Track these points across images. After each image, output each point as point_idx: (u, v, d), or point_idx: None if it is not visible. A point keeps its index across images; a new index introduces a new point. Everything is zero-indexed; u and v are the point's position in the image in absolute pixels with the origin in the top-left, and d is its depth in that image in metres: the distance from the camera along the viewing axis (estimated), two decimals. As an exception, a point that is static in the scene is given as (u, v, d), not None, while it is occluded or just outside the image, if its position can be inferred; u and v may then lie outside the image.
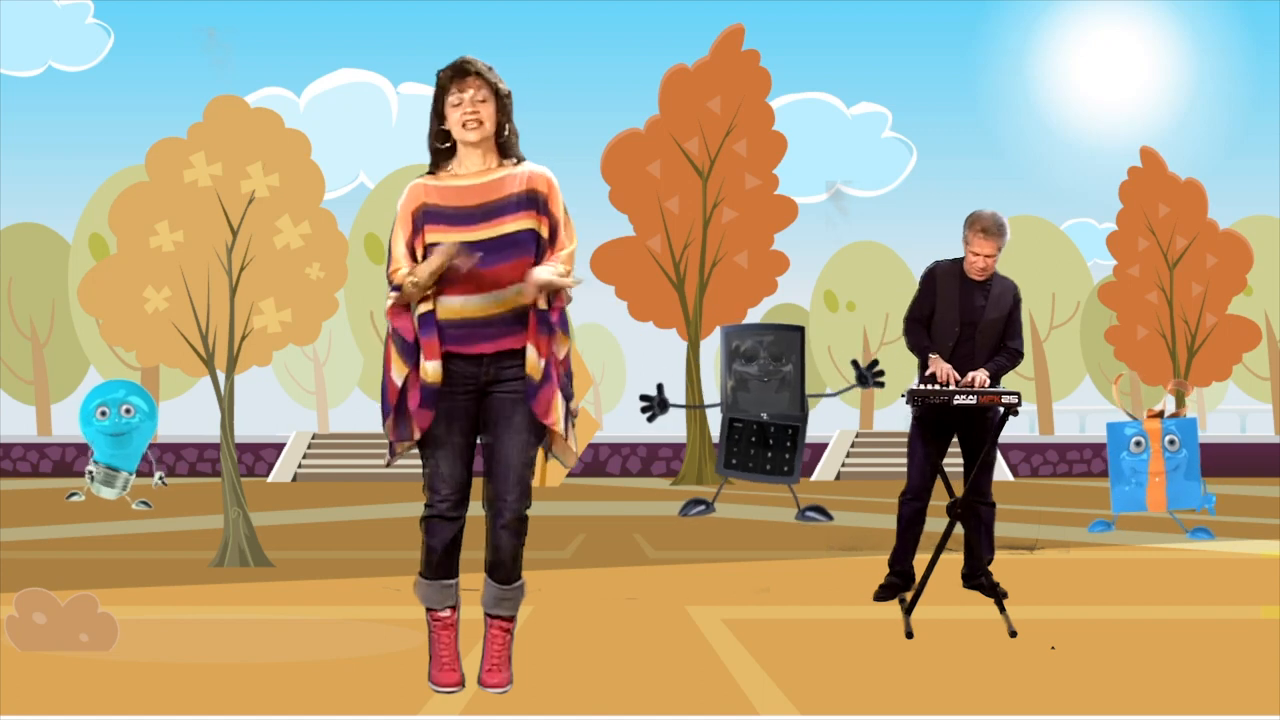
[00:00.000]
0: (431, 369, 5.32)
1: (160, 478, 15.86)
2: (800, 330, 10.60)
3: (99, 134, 31.41)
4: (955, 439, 7.95)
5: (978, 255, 7.79)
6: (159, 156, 10.09)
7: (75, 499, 15.49)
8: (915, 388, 7.38)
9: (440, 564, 5.45)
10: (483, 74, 5.35)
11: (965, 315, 7.85)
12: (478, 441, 5.46)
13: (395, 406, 5.36)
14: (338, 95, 30.73)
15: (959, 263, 7.92)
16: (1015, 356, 7.93)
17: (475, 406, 5.41)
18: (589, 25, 33.48)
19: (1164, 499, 12.26)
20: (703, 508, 11.73)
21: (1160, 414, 12.32)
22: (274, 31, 33.22)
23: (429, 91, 5.47)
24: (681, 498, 18.87)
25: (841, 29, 33.50)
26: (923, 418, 7.71)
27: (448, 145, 5.41)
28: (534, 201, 5.37)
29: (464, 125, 5.33)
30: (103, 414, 15.06)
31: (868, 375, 10.31)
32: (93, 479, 15.17)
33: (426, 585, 5.49)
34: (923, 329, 7.95)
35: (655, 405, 11.35)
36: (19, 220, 30.38)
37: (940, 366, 7.66)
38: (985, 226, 7.77)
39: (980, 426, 7.74)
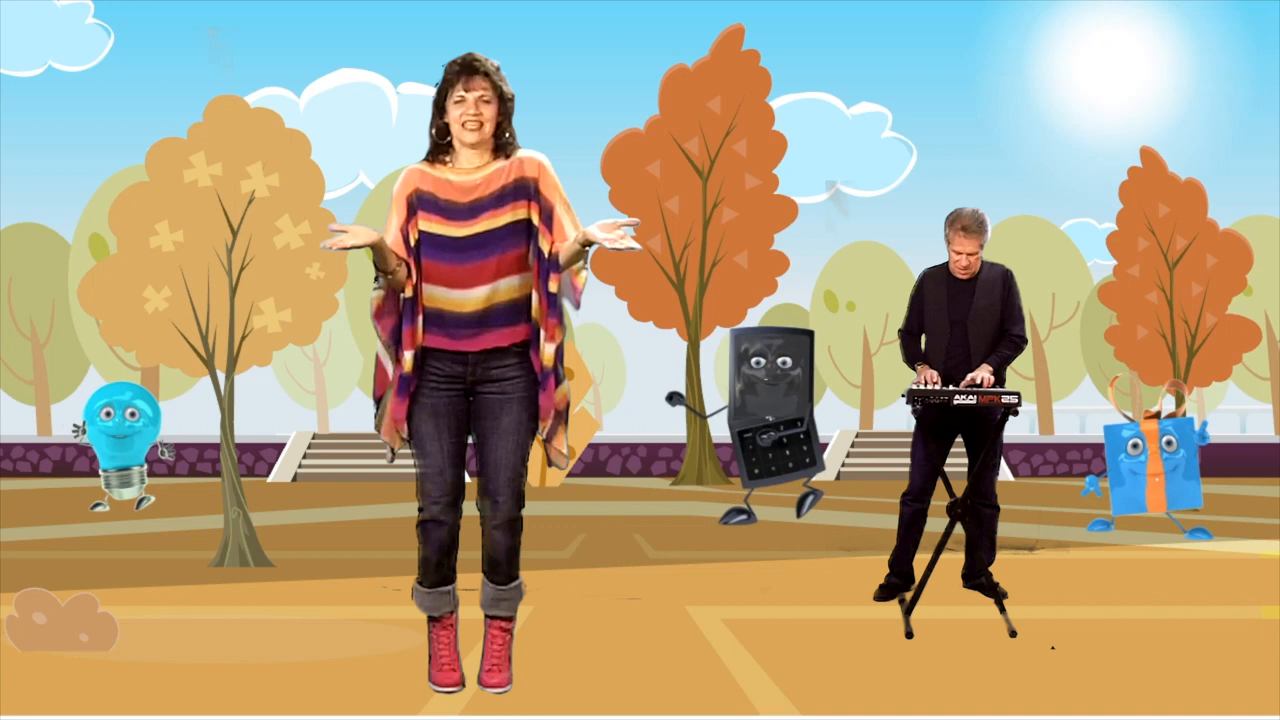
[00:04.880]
0: (408, 358, 5.33)
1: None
2: (810, 334, 10.63)
3: (99, 134, 31.44)
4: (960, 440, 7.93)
5: (960, 254, 7.77)
6: (159, 156, 10.09)
7: (100, 509, 15.48)
8: (915, 387, 7.36)
9: (437, 571, 5.43)
10: (490, 75, 5.31)
11: (954, 311, 7.82)
12: (469, 441, 5.46)
13: (379, 401, 5.41)
14: (338, 95, 30.73)
15: (945, 266, 7.92)
16: (1018, 343, 7.86)
17: (464, 405, 5.40)
18: (589, 25, 33.49)
19: (1163, 499, 12.25)
20: (744, 517, 11.72)
21: (1157, 415, 12.32)
22: (274, 31, 33.24)
23: (429, 91, 5.44)
24: (681, 498, 18.89)
25: (841, 29, 33.51)
26: (925, 418, 7.68)
27: (447, 140, 5.40)
28: (523, 189, 5.33)
29: (464, 125, 5.30)
30: (107, 414, 15.08)
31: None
32: (109, 486, 15.19)
33: (424, 593, 5.49)
34: (914, 340, 7.94)
35: (676, 399, 11.34)
36: (19, 220, 30.38)
37: (926, 374, 7.64)
38: (965, 225, 7.76)
39: (984, 426, 7.71)
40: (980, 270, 7.88)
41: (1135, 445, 12.17)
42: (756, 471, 10.18)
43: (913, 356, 7.89)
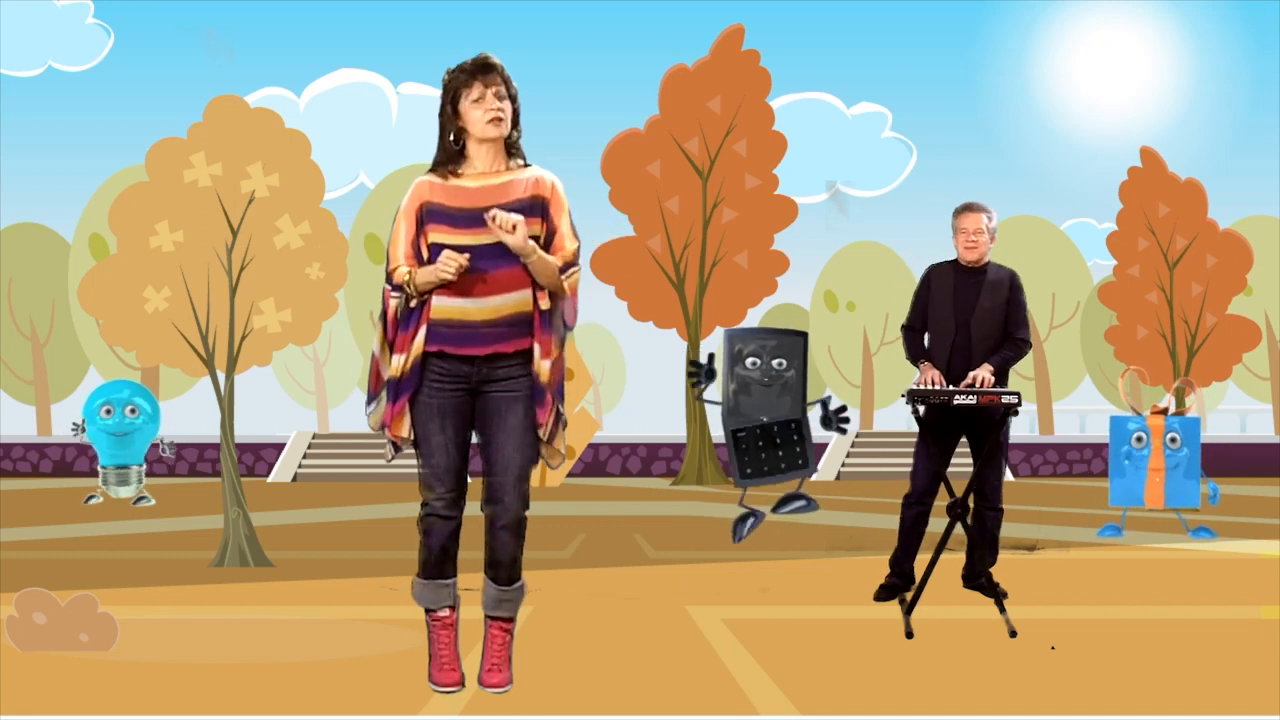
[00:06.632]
0: (396, 363, 5.35)
1: None
2: (803, 335, 10.66)
3: (99, 134, 31.36)
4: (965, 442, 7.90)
5: (965, 231, 7.79)
6: (159, 156, 10.09)
7: (94, 501, 15.54)
8: (914, 387, 7.35)
9: (437, 564, 5.44)
10: (504, 73, 5.39)
11: (960, 310, 7.81)
12: (473, 439, 5.46)
13: (375, 395, 5.42)
14: (338, 95, 30.70)
15: (951, 262, 7.92)
16: (1020, 346, 7.82)
17: (468, 404, 5.41)
18: (589, 25, 33.47)
19: (1162, 495, 12.26)
20: (753, 520, 11.67)
21: (1164, 411, 12.32)
22: (274, 31, 33.20)
23: (429, 91, 5.49)
24: (681, 498, 18.88)
25: (841, 29, 33.48)
26: (927, 419, 7.65)
27: (461, 145, 5.42)
28: (537, 206, 5.37)
29: (488, 122, 5.33)
30: (107, 412, 15.13)
31: (832, 418, 10.17)
32: (107, 483, 15.27)
33: (423, 585, 5.49)
34: (917, 336, 7.91)
35: (703, 375, 11.24)
36: (19, 220, 30.36)
37: (929, 374, 7.63)
38: (967, 204, 7.86)
39: (985, 427, 7.69)
40: (988, 268, 7.88)
41: (1139, 438, 12.18)
42: (749, 471, 10.14)
43: (916, 354, 7.87)
